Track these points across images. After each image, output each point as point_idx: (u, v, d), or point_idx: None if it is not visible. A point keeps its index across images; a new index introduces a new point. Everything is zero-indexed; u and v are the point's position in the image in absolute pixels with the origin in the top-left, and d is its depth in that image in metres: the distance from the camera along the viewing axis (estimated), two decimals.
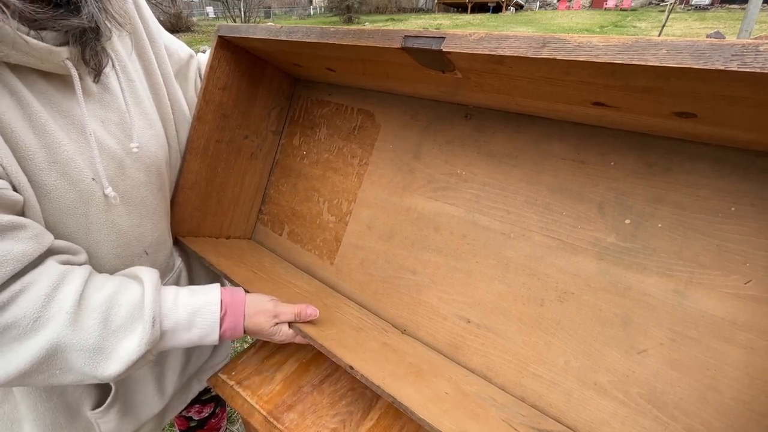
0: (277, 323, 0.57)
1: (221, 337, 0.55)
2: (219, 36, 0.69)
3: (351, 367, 0.50)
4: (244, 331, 0.57)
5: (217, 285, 0.59)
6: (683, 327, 0.47)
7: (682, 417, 0.46)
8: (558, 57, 0.36)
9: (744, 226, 0.44)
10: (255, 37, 0.63)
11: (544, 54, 0.37)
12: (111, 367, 0.48)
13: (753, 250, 0.44)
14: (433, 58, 0.47)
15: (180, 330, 0.53)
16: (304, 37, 0.56)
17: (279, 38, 0.59)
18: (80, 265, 0.52)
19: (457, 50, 0.42)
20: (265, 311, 0.57)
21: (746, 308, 0.44)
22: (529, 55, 0.37)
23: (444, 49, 0.43)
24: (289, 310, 0.58)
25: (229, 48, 0.72)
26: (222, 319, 0.55)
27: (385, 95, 0.76)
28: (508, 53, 0.39)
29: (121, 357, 0.48)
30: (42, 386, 0.57)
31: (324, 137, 0.85)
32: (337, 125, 0.83)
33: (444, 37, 0.43)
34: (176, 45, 0.73)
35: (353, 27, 0.52)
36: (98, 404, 0.63)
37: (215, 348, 0.87)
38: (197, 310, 0.54)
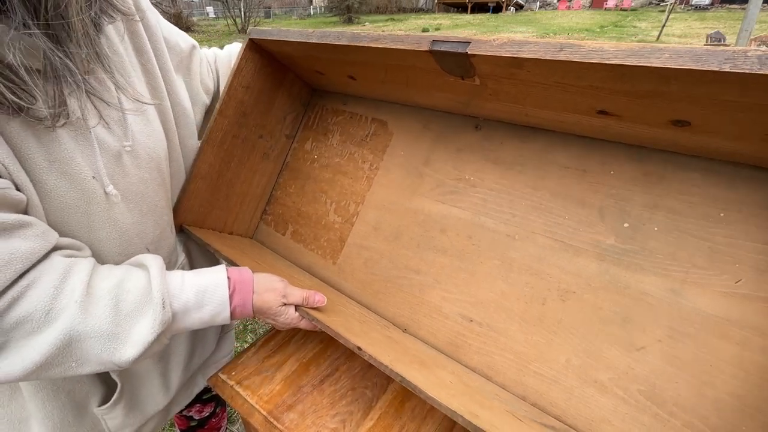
0: (285, 304, 0.57)
1: (232, 315, 0.54)
2: (250, 38, 0.74)
3: (359, 348, 0.50)
4: (253, 309, 0.56)
5: (223, 265, 0.59)
6: (680, 324, 0.49)
7: (681, 413, 0.47)
8: (574, 59, 0.41)
9: (733, 230, 0.48)
10: (287, 40, 0.68)
11: (561, 57, 0.42)
12: (127, 351, 0.48)
13: (742, 252, 0.48)
14: (457, 63, 0.52)
15: (191, 310, 0.53)
16: (335, 40, 0.61)
17: (310, 41, 0.63)
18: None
19: (482, 53, 0.47)
20: (275, 290, 0.57)
21: (738, 306, 0.47)
22: (548, 57, 0.42)
23: (469, 52, 0.48)
24: (298, 293, 0.58)
25: (257, 50, 0.77)
26: (231, 296, 0.55)
27: (399, 106, 0.81)
28: (527, 56, 0.44)
29: (135, 341, 0.48)
30: (59, 379, 0.55)
31: (336, 143, 0.88)
32: (350, 132, 0.87)
33: (470, 42, 0.48)
34: (177, 37, 0.72)
35: (380, 31, 0.57)
36: (105, 400, 0.62)
37: (219, 342, 0.85)
38: (206, 289, 0.54)
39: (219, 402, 1.08)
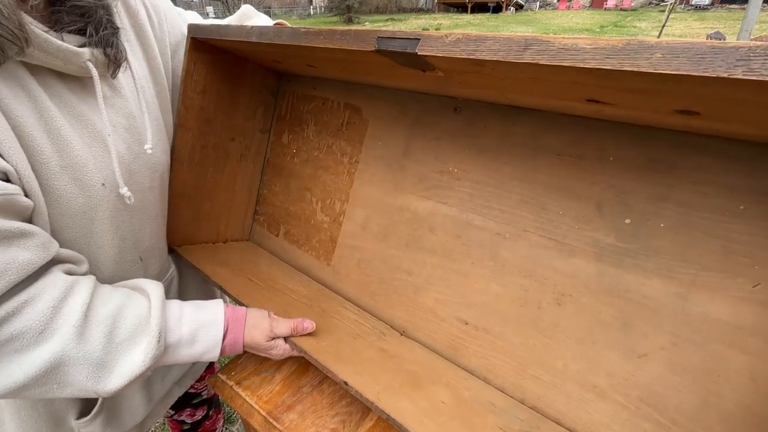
0: (274, 338, 0.57)
1: (221, 353, 0.55)
2: (191, 37, 0.65)
3: (345, 383, 0.50)
4: (243, 346, 0.57)
5: (221, 301, 0.59)
6: (685, 331, 0.45)
7: (683, 421, 0.45)
8: (541, 62, 0.32)
9: (752, 226, 0.41)
10: (226, 39, 0.59)
11: (526, 58, 0.33)
12: (112, 381, 0.47)
13: (762, 252, 0.41)
14: (410, 60, 0.44)
15: (183, 345, 0.53)
16: (274, 38, 0.52)
17: (250, 40, 0.55)
18: (82, 274, 0.52)
19: (433, 53, 0.38)
20: (262, 327, 0.57)
21: (753, 312, 0.41)
22: (510, 59, 0.34)
23: (419, 53, 0.39)
24: (285, 325, 0.58)
25: (204, 49, 0.68)
26: (224, 335, 0.55)
27: (371, 89, 0.72)
28: (486, 57, 0.35)
29: (123, 372, 0.47)
30: (35, 399, 0.56)
31: (312, 134, 0.82)
32: (324, 121, 0.79)
33: (419, 39, 0.40)
34: (185, 31, 0.67)
35: (343, 27, 0.48)
36: (84, 413, 0.62)
37: None
38: (201, 326, 0.54)
39: (212, 405, 1.08)
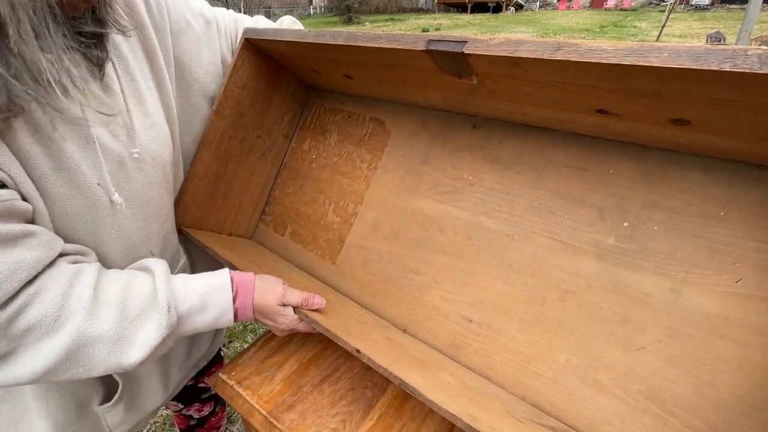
0: (284, 305, 0.57)
1: (234, 318, 0.55)
2: (245, 38, 0.73)
3: (357, 350, 0.50)
4: (253, 310, 0.57)
5: (227, 269, 0.59)
6: (679, 324, 0.49)
7: (681, 413, 0.47)
8: (571, 59, 0.40)
9: (733, 229, 0.48)
10: (282, 39, 0.67)
11: (559, 56, 0.41)
12: (133, 354, 0.49)
13: (742, 251, 0.47)
14: (454, 62, 0.52)
15: (195, 313, 0.54)
16: (331, 40, 0.60)
17: (306, 41, 0.63)
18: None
19: (478, 53, 0.46)
20: (274, 291, 0.57)
21: (738, 305, 0.47)
22: (545, 57, 0.42)
23: (465, 52, 0.47)
24: (296, 295, 0.58)
25: (252, 50, 0.76)
26: (234, 299, 0.56)
27: (397, 105, 0.80)
28: (525, 56, 0.43)
29: (142, 344, 0.49)
30: (66, 380, 0.56)
31: (334, 143, 0.88)
32: (348, 132, 0.86)
33: (466, 41, 0.48)
34: (189, 16, 0.68)
35: (379, 30, 0.57)
36: (106, 399, 0.64)
37: (214, 338, 0.87)
38: (210, 292, 0.55)
39: (218, 401, 1.10)
